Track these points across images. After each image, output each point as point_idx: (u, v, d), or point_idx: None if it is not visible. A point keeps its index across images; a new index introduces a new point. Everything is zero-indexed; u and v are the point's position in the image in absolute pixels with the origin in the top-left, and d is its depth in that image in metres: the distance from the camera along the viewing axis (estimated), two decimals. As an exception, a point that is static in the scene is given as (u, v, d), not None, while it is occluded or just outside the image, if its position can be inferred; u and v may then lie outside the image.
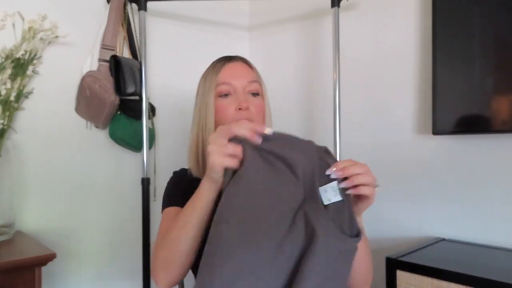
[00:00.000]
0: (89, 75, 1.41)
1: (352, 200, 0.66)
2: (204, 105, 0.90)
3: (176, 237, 0.73)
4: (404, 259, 1.08)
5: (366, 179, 0.65)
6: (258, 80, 0.91)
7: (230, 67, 0.90)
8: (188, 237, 0.72)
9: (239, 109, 0.86)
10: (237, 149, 0.64)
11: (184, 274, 0.77)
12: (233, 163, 0.64)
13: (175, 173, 1.00)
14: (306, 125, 1.73)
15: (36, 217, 1.40)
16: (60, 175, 1.46)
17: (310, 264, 0.57)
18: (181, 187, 0.91)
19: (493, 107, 1.15)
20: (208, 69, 0.93)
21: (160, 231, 0.85)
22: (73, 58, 1.45)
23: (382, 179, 1.47)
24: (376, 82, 1.52)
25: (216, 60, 0.93)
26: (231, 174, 0.65)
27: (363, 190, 0.65)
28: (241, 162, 0.64)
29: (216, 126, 0.89)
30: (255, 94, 0.90)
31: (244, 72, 0.90)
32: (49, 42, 1.38)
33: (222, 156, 0.64)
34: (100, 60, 1.44)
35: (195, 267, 0.82)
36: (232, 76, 0.89)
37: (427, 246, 1.22)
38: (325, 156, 0.66)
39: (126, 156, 1.61)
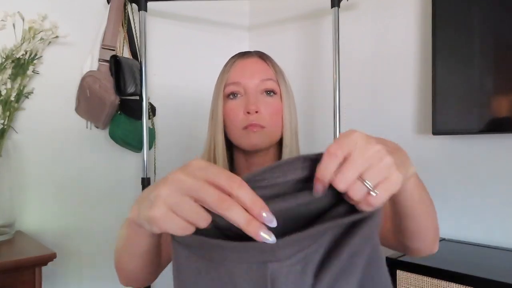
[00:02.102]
0: (89, 75, 1.41)
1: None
2: (215, 110, 0.80)
3: (121, 259, 0.65)
4: (404, 259, 1.08)
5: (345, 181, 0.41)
6: (274, 77, 0.80)
7: (241, 64, 0.80)
8: (132, 266, 0.63)
9: (248, 112, 0.75)
10: (205, 220, 0.40)
11: (145, 285, 0.70)
12: (189, 230, 0.40)
13: None
14: (306, 125, 1.73)
15: (36, 217, 1.40)
16: (60, 175, 1.46)
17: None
18: None
19: (492, 107, 1.15)
20: (223, 66, 0.84)
21: None
22: (73, 58, 1.45)
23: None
24: (376, 82, 1.52)
25: (231, 56, 0.83)
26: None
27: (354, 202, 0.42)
28: None
29: (226, 131, 0.80)
30: (270, 93, 0.78)
31: (258, 69, 0.79)
32: (49, 42, 1.38)
33: (179, 220, 0.40)
34: (100, 60, 1.44)
35: None
36: (242, 74, 0.78)
37: (427, 246, 1.22)
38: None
39: (126, 156, 1.61)
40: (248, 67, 0.79)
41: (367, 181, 0.40)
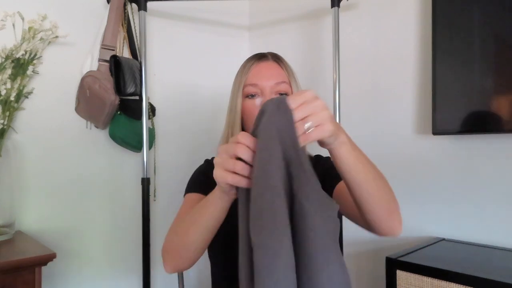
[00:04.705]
0: (89, 75, 1.41)
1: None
2: (234, 106, 0.91)
3: (186, 232, 0.73)
4: (404, 259, 1.08)
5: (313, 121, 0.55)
6: (287, 79, 0.91)
7: (259, 67, 0.90)
8: (196, 236, 0.72)
9: None
10: (240, 167, 0.57)
11: (191, 265, 0.78)
12: (235, 180, 0.58)
13: (206, 161, 1.02)
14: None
15: (36, 217, 1.40)
16: (60, 175, 1.46)
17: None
18: (209, 175, 0.89)
19: (493, 107, 1.15)
20: (240, 67, 0.93)
21: (178, 215, 0.86)
22: (73, 58, 1.45)
23: (382, 179, 1.48)
24: (376, 82, 1.52)
25: (248, 58, 0.94)
26: (244, 191, 0.58)
27: (312, 136, 0.55)
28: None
29: (244, 127, 0.91)
30: (283, 95, 0.88)
31: (273, 72, 0.90)
32: (49, 42, 1.38)
33: (223, 171, 0.59)
34: (100, 60, 1.44)
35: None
36: (260, 77, 0.89)
37: (427, 246, 1.22)
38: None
39: (126, 156, 1.61)
40: (264, 71, 0.90)
41: (307, 123, 0.54)
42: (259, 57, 0.92)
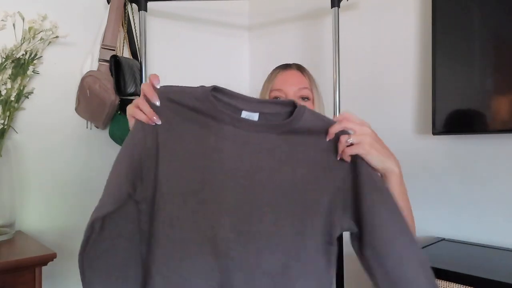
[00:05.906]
0: (89, 75, 1.40)
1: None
2: None
3: None
4: (404, 259, 1.08)
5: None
6: (309, 86, 1.03)
7: (284, 75, 1.03)
8: None
9: None
10: (139, 101, 0.74)
11: None
12: (135, 112, 0.73)
13: None
14: (306, 125, 1.73)
15: (36, 217, 1.40)
16: (60, 175, 1.46)
17: None
18: None
19: (492, 107, 1.15)
20: (268, 76, 1.06)
21: None
22: (73, 58, 1.45)
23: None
24: (376, 82, 1.52)
25: (275, 68, 1.07)
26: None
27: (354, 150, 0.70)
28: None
29: None
30: (305, 99, 1.01)
31: (296, 79, 1.02)
32: (49, 42, 1.38)
33: (131, 107, 0.74)
34: (100, 60, 1.44)
35: None
36: (284, 83, 1.01)
37: (427, 246, 1.22)
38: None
39: (126, 156, 1.61)
40: (289, 78, 1.02)
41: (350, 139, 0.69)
42: (284, 67, 1.05)
